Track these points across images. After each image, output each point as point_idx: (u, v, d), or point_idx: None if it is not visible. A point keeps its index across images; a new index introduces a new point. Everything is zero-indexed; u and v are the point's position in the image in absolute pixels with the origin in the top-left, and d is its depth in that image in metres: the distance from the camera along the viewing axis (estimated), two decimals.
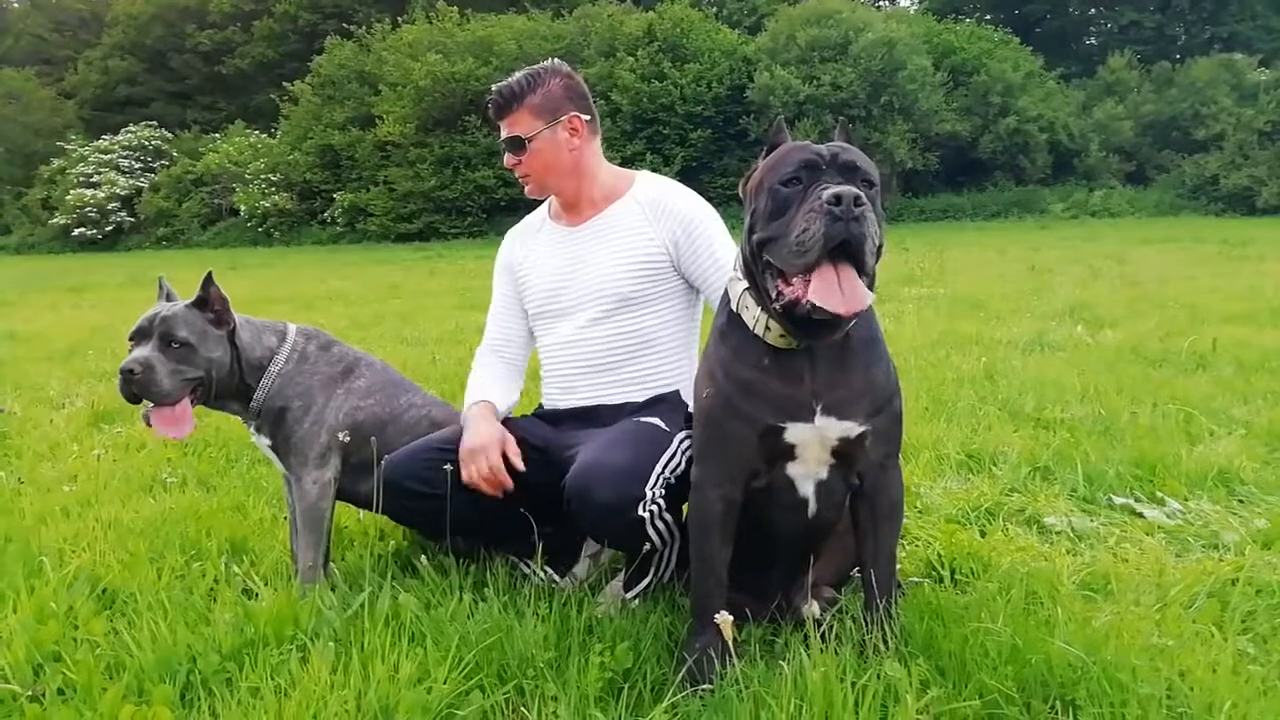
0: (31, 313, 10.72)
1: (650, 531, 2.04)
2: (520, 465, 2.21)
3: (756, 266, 1.77)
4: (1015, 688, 1.72)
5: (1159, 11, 37.16)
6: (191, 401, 2.25)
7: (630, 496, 1.98)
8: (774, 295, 1.72)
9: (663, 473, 2.04)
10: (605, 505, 1.97)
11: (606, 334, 2.34)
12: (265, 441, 2.40)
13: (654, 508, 2.01)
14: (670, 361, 2.37)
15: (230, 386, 2.32)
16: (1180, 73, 31.70)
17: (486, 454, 2.19)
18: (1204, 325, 6.25)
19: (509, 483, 2.20)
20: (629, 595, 2.24)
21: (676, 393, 2.35)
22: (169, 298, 2.35)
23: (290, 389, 2.36)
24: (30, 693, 1.82)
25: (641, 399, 2.33)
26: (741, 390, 1.82)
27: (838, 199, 1.58)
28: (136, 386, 2.14)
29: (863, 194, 1.61)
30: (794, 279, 1.67)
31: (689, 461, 2.03)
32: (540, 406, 2.53)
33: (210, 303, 2.28)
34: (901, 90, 27.32)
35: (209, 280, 2.25)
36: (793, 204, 1.68)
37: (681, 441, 2.14)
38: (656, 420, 2.23)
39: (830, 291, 1.61)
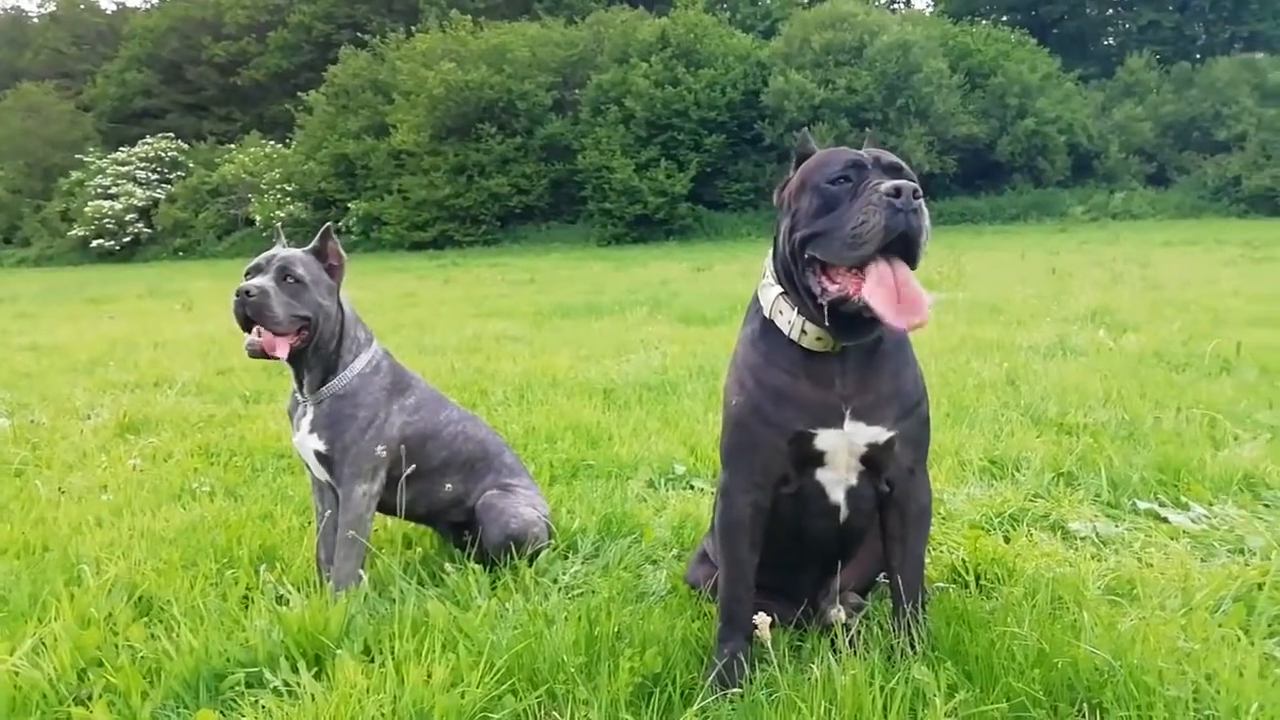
0: (52, 325, 10.83)
1: None
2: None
3: (797, 265, 1.79)
4: (1042, 691, 1.73)
5: (1178, 11, 36.86)
6: (295, 343, 2.27)
7: None
8: (819, 291, 1.73)
9: None
10: None
11: None
12: (318, 446, 2.37)
13: None
14: None
15: (329, 347, 2.35)
16: (1200, 73, 31.42)
17: None
18: (1227, 329, 6.20)
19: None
20: None
21: None
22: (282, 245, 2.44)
23: (362, 396, 2.38)
24: (76, 696, 1.87)
25: None
26: (772, 396, 1.83)
27: (898, 191, 1.62)
28: (250, 309, 2.20)
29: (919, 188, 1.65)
30: (840, 275, 1.70)
31: None
32: None
33: (326, 254, 2.38)
34: (917, 93, 27.23)
35: (327, 233, 2.37)
36: (843, 200, 1.71)
37: None
38: None
39: (889, 301, 1.63)
